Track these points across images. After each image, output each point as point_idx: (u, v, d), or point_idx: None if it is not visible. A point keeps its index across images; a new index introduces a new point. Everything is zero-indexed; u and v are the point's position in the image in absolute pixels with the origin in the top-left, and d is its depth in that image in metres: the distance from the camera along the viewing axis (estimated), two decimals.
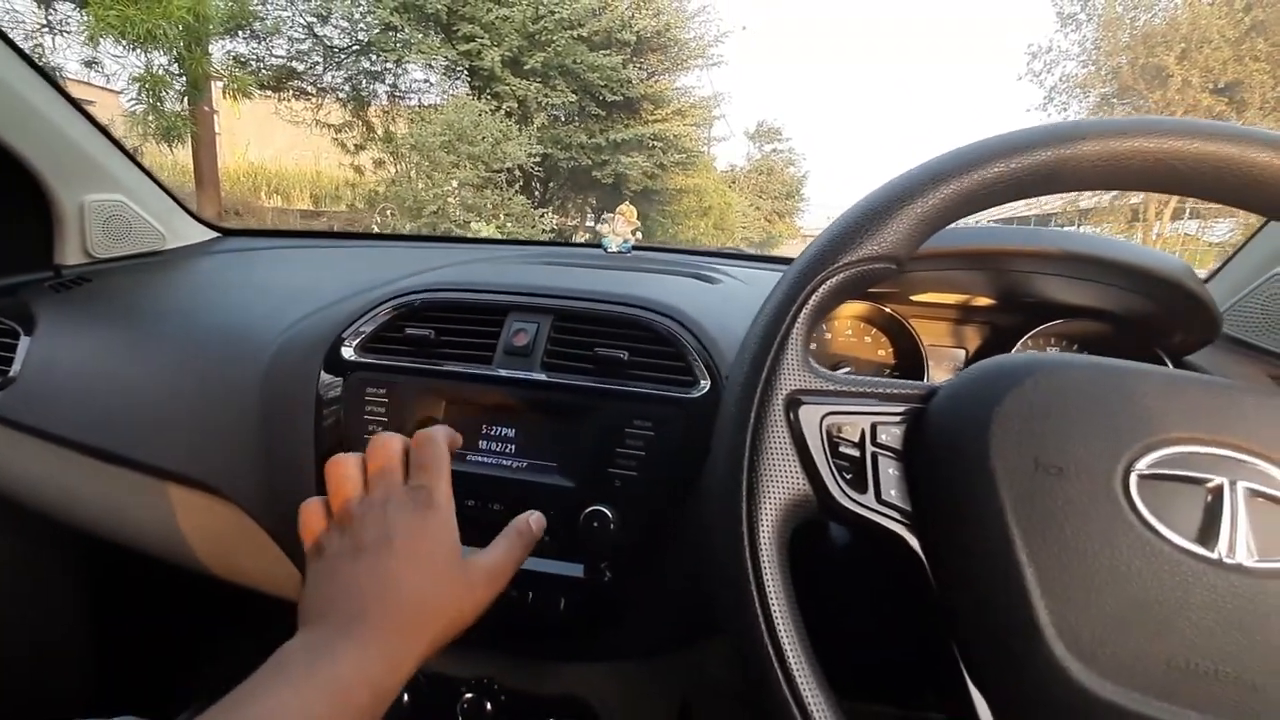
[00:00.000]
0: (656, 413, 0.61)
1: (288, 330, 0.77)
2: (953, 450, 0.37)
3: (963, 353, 0.80)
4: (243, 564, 0.76)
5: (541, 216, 8.17)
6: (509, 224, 7.75)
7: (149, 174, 1.14)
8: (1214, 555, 0.32)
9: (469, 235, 6.51)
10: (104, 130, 1.06)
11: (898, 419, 0.40)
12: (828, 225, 0.42)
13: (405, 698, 0.68)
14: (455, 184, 7.62)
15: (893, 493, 0.39)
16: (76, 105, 1.00)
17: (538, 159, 8.46)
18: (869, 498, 0.39)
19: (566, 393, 0.64)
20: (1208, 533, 0.32)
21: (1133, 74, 11.32)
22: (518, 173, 8.14)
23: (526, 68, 8.63)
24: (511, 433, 0.65)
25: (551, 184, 10.26)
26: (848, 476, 0.39)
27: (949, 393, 0.40)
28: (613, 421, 0.62)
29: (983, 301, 0.74)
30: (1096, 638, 0.32)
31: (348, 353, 0.69)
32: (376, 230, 7.87)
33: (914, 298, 0.75)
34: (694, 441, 0.61)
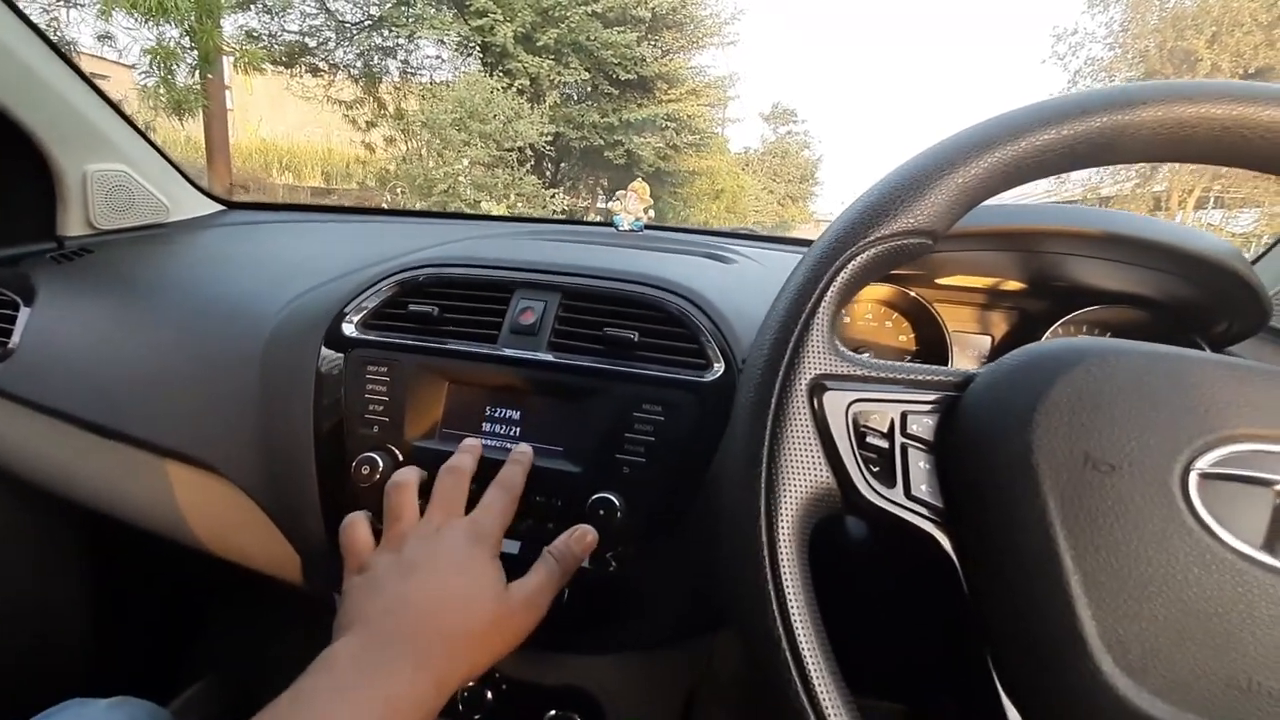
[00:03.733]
0: (667, 396, 0.59)
1: (288, 305, 0.74)
2: (991, 443, 0.34)
3: (988, 339, 0.77)
4: (240, 542, 0.74)
5: (552, 197, 8.10)
6: (519, 204, 7.69)
7: (154, 145, 1.12)
8: None
9: (478, 213, 6.47)
10: (108, 99, 1.03)
11: (929, 408, 0.37)
12: (859, 195, 0.39)
13: None
14: (466, 162, 7.57)
15: (923, 488, 0.36)
16: (80, 73, 0.98)
17: (549, 138, 8.37)
18: (897, 493, 0.36)
19: (573, 374, 0.61)
20: (1275, 539, 0.29)
21: (1160, 58, 11.03)
22: (529, 152, 8.07)
23: (539, 44, 8.50)
24: (516, 415, 0.63)
25: (563, 164, 10.17)
26: (875, 469, 0.36)
27: (987, 381, 0.37)
28: (621, 405, 0.59)
29: (1012, 286, 0.70)
30: (1147, 651, 0.29)
31: (349, 329, 0.66)
32: (387, 208, 7.85)
33: (939, 280, 0.71)
34: (706, 428, 0.59)
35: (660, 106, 9.53)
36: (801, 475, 0.35)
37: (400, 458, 0.62)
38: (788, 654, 0.32)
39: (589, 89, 9.39)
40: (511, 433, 0.62)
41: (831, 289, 0.37)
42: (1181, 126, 0.34)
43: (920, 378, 0.38)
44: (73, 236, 1.02)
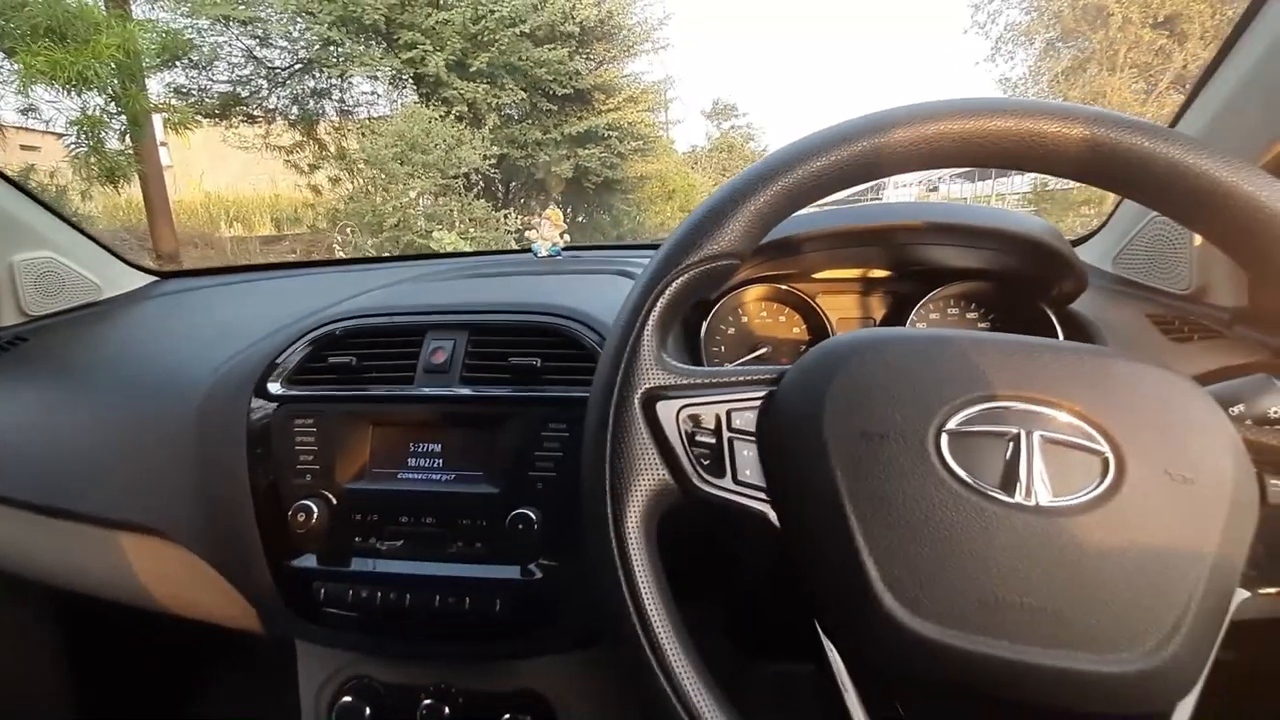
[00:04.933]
0: (570, 414, 0.64)
1: (218, 369, 0.79)
2: (795, 428, 0.40)
3: (871, 322, 0.84)
4: (198, 601, 0.78)
5: (505, 218, 8.12)
6: (472, 229, 7.70)
7: (76, 226, 1.15)
8: (1015, 499, 0.36)
9: (408, 252, 6.48)
10: (23, 188, 1.06)
11: (752, 404, 0.44)
12: (675, 229, 0.45)
13: (367, 710, 0.71)
14: (414, 194, 7.55)
15: (748, 473, 0.42)
16: None
17: (494, 161, 8.40)
18: (727, 480, 0.42)
19: (485, 404, 0.67)
20: (1009, 479, 0.36)
21: (1074, 16, 11.42)
22: (476, 177, 8.08)
23: (472, 69, 8.52)
24: (438, 447, 0.68)
25: (512, 184, 10.19)
26: (705, 463, 0.42)
27: (792, 376, 0.43)
28: (530, 427, 0.65)
29: (880, 273, 0.78)
30: (918, 585, 0.35)
31: (274, 387, 0.71)
32: (339, 249, 7.80)
33: (815, 275, 0.79)
34: None
35: (600, 117, 9.61)
36: (642, 477, 0.41)
37: (334, 501, 0.67)
38: (638, 627, 0.38)
39: (528, 108, 9.42)
40: (435, 464, 0.68)
41: (654, 314, 0.43)
42: (928, 141, 0.41)
43: (741, 379, 0.44)
44: (6, 327, 1.04)
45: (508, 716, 0.70)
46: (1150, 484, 0.35)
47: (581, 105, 9.75)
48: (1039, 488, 0.36)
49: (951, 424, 0.37)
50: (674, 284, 0.43)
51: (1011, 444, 0.36)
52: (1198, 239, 0.78)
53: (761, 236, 0.44)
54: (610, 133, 9.75)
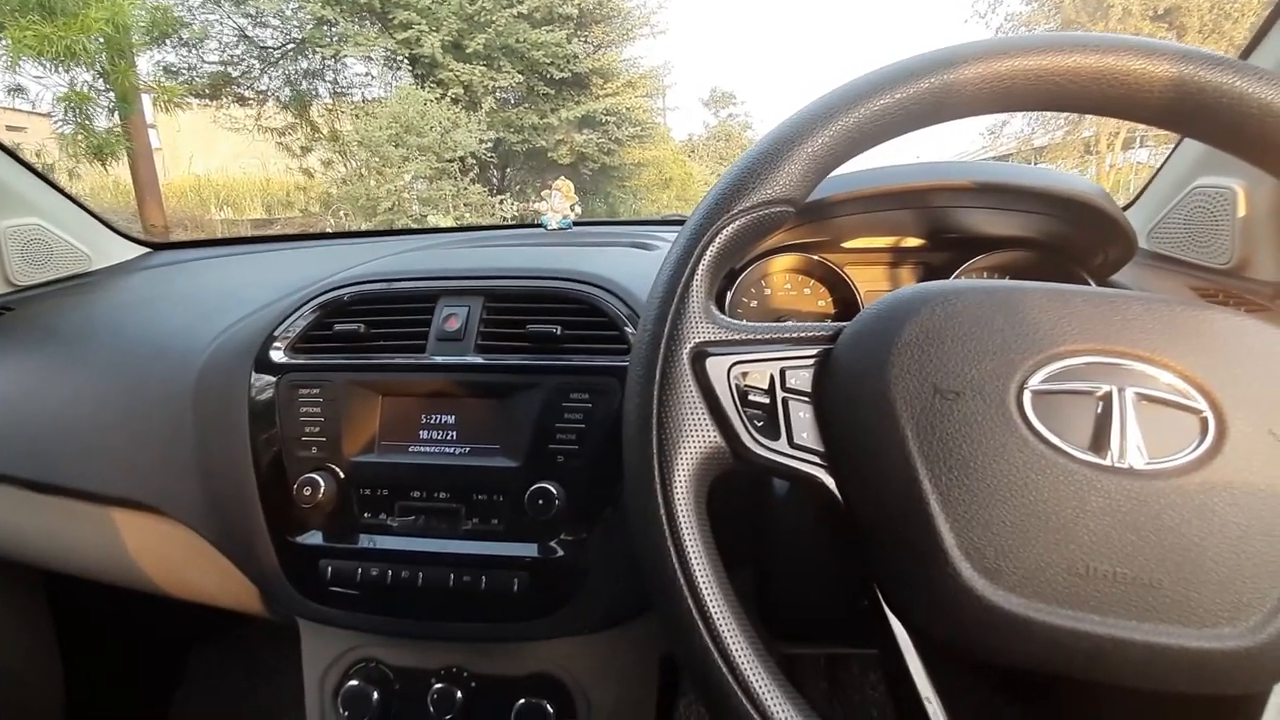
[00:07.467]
0: (593, 384, 0.61)
1: (217, 338, 0.75)
2: (857, 386, 0.37)
3: None
4: (195, 580, 0.74)
5: (501, 203, 8.05)
6: (468, 214, 7.63)
7: (66, 194, 1.10)
8: (1106, 461, 0.33)
9: (411, 227, 6.41)
10: (11, 153, 1.01)
11: (807, 362, 0.40)
12: (724, 172, 0.42)
13: (374, 695, 0.68)
14: (409, 178, 7.48)
15: (805, 435, 0.39)
16: None
17: (489, 145, 8.31)
18: (782, 443, 0.39)
19: (502, 373, 0.63)
20: (1100, 440, 0.33)
21: (1074, 7, 11.38)
22: (471, 161, 7.99)
23: (469, 51, 8.41)
24: (451, 419, 0.64)
25: (509, 169, 10.10)
26: (759, 424, 0.39)
27: (852, 331, 0.40)
28: (550, 397, 0.61)
29: (913, 242, 0.75)
30: (999, 553, 0.32)
31: (277, 355, 0.67)
32: (315, 232, 7.73)
33: (845, 244, 0.75)
34: None
35: (598, 101, 9.51)
36: (690, 437, 0.38)
37: (341, 475, 0.63)
38: (691, 605, 0.35)
39: (525, 91, 9.32)
40: (449, 436, 0.64)
41: (703, 263, 0.40)
42: (1000, 80, 0.38)
43: (795, 335, 0.41)
44: None
45: (523, 701, 0.67)
46: (1254, 445, 0.32)
47: (579, 89, 9.65)
48: (1132, 449, 0.32)
49: (1034, 381, 0.34)
50: (725, 231, 0.39)
51: (1101, 403, 0.33)
52: (1241, 210, 0.76)
53: (817, 182, 0.40)
54: (608, 118, 9.67)
